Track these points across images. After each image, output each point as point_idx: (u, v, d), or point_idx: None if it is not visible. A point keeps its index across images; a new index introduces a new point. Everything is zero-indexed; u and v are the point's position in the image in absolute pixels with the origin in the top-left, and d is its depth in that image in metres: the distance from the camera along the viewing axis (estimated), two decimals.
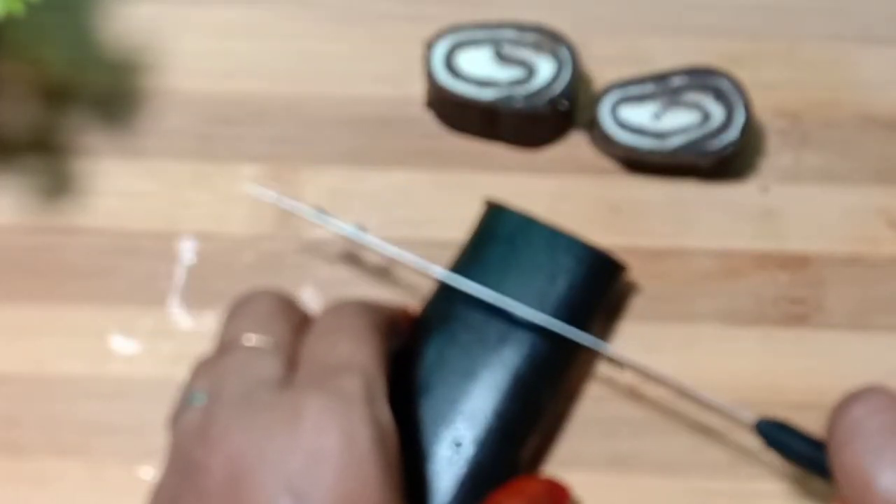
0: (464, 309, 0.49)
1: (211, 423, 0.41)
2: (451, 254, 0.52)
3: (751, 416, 0.46)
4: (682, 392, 0.48)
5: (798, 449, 0.45)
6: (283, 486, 0.39)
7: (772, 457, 0.50)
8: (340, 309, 0.45)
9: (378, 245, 0.49)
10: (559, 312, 0.48)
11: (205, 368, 0.44)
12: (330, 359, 0.43)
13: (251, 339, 0.44)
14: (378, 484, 0.40)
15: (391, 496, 0.40)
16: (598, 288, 0.49)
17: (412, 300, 0.50)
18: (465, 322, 0.48)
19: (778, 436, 0.46)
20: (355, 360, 0.43)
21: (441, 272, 0.49)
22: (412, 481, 0.47)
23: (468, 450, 0.47)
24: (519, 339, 0.48)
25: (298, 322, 0.45)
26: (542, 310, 0.48)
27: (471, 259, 0.49)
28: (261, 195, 0.51)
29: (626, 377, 0.50)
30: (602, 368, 0.51)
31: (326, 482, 0.40)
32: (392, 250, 0.49)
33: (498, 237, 0.49)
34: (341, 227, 0.49)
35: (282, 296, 0.46)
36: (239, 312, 0.45)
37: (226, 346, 0.44)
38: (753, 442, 0.50)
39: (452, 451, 0.47)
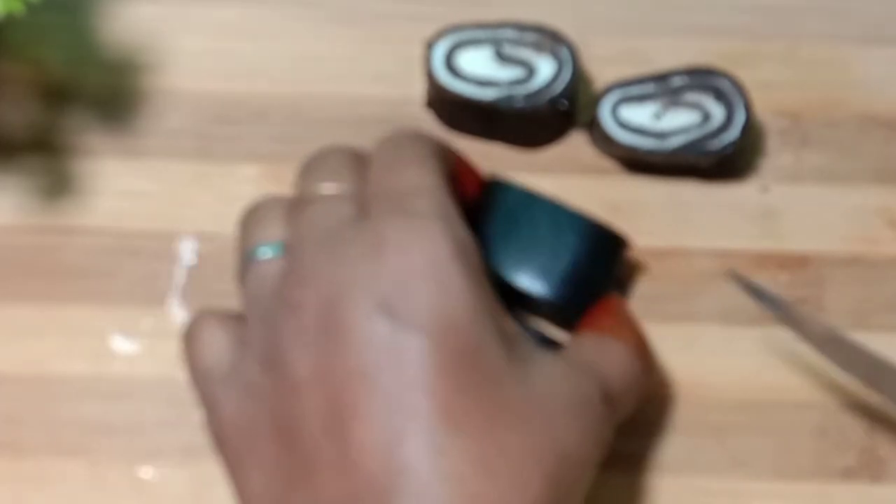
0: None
1: (297, 265, 0.43)
2: None
3: None
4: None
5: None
6: (376, 306, 0.40)
7: (770, 458, 0.50)
8: (397, 140, 0.46)
9: None
10: (564, 287, 0.48)
11: (271, 221, 0.45)
12: (400, 185, 0.44)
13: (326, 189, 0.45)
14: (465, 293, 0.41)
15: (479, 305, 0.41)
16: (602, 261, 0.49)
17: None
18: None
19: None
20: (424, 182, 0.44)
21: None
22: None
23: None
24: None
25: (362, 163, 0.46)
26: (547, 285, 0.48)
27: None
28: None
29: None
30: None
31: (416, 297, 0.41)
32: None
33: (500, 212, 0.49)
34: None
35: (350, 148, 0.47)
36: (311, 167, 0.47)
37: (302, 198, 0.45)
38: (753, 442, 0.50)
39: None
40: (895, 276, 0.52)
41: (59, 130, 0.54)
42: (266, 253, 0.45)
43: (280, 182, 0.53)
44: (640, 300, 0.52)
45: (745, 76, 0.52)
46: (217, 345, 0.45)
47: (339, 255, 0.42)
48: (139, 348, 0.51)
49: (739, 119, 0.51)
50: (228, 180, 0.53)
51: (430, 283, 0.41)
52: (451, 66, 0.52)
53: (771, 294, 0.48)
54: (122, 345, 0.51)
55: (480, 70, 0.52)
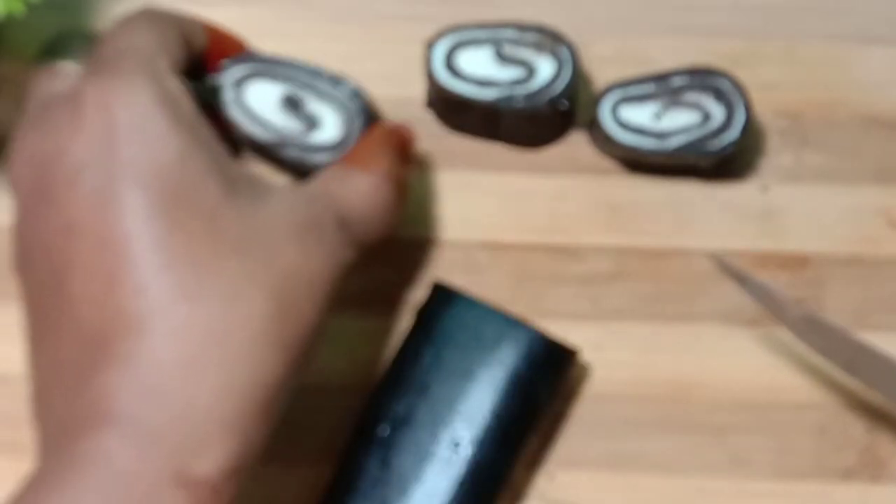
0: (460, 309, 0.48)
1: (17, 143, 0.45)
2: (450, 254, 0.52)
3: None
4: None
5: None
6: (81, 165, 0.42)
7: (770, 458, 0.50)
8: (127, 17, 0.47)
9: None
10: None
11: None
12: (108, 51, 0.45)
13: (52, 66, 0.47)
14: (170, 138, 0.42)
15: (189, 148, 0.42)
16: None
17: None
18: (461, 322, 0.48)
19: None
20: (131, 43, 0.45)
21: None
22: (410, 482, 0.47)
23: (466, 450, 0.47)
24: (516, 338, 0.48)
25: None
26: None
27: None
28: None
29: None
30: (597, 375, 0.51)
31: (120, 149, 0.42)
32: None
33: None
34: None
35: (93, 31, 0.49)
36: (52, 45, 0.48)
37: (41, 77, 0.47)
38: (753, 442, 0.50)
39: (451, 451, 0.47)
40: (895, 276, 0.52)
41: None
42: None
43: (280, 181, 0.53)
44: (641, 300, 0.52)
45: (745, 76, 0.52)
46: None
47: (45, 124, 0.43)
48: None
49: (739, 119, 0.51)
50: None
51: (132, 134, 0.42)
52: (451, 66, 0.52)
53: (754, 280, 0.48)
54: None
55: (480, 70, 0.52)
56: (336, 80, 0.50)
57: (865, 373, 0.47)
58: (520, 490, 0.49)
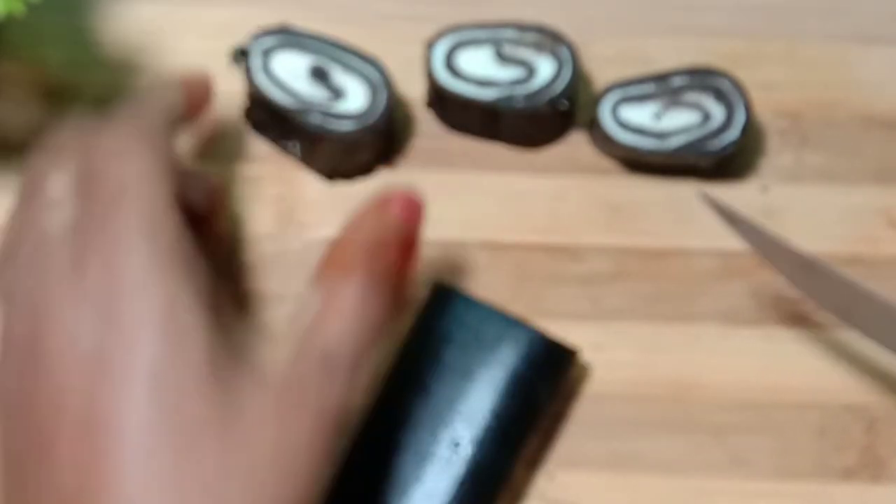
0: (460, 309, 0.48)
1: (6, 282, 0.43)
2: (450, 254, 0.52)
3: None
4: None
5: None
6: (78, 333, 0.40)
7: (770, 458, 0.50)
8: (110, 128, 0.45)
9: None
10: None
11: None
12: (100, 191, 0.42)
13: (48, 187, 0.44)
14: (173, 306, 0.40)
15: (194, 315, 0.40)
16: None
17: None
18: (461, 321, 0.48)
19: None
20: (130, 181, 0.42)
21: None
22: (410, 482, 0.47)
23: (466, 450, 0.47)
24: (516, 338, 0.48)
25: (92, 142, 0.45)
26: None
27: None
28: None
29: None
30: (594, 381, 0.51)
31: (120, 319, 0.40)
32: None
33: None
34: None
35: (80, 126, 0.46)
36: (41, 152, 0.46)
37: (23, 195, 0.45)
38: (753, 442, 0.50)
39: (451, 451, 0.47)
40: (895, 276, 0.52)
41: None
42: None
43: (280, 182, 0.53)
44: (641, 300, 0.52)
45: (745, 76, 0.52)
46: None
47: (42, 274, 0.41)
48: None
49: (739, 119, 0.51)
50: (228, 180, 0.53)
51: (132, 301, 0.40)
52: (451, 66, 0.52)
53: (744, 218, 0.48)
54: None
55: (480, 70, 0.52)
56: (363, 56, 0.51)
57: (862, 320, 0.46)
58: (520, 490, 0.49)
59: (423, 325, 0.49)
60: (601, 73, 0.54)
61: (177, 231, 0.42)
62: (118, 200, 0.42)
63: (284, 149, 0.53)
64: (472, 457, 0.47)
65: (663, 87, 0.52)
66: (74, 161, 0.44)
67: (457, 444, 0.47)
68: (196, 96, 0.49)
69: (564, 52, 0.52)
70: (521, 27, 0.52)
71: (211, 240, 0.47)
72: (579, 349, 0.49)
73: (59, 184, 0.43)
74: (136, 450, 0.39)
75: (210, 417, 0.40)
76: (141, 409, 0.39)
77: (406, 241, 0.45)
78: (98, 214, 0.42)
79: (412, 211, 0.45)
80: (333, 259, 0.43)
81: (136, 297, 0.40)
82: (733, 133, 0.51)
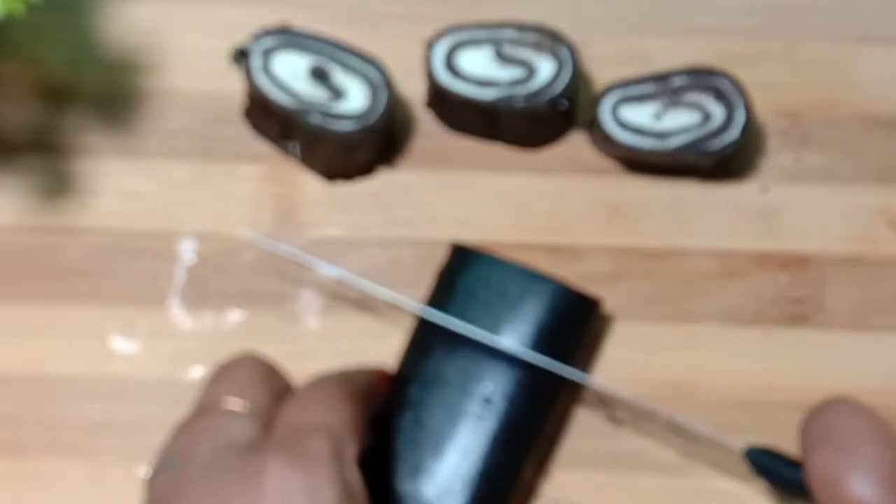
0: (482, 268, 0.49)
1: (178, 487, 0.41)
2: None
3: (740, 443, 0.46)
4: (672, 422, 0.48)
5: (786, 475, 0.45)
6: None
7: None
8: (319, 379, 0.45)
9: (359, 284, 0.50)
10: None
11: (182, 431, 0.44)
12: (300, 422, 0.42)
13: (228, 403, 0.43)
14: None
15: None
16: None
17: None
18: (483, 280, 0.49)
19: (767, 463, 0.46)
20: (325, 421, 0.42)
21: (416, 306, 0.49)
22: (444, 440, 0.47)
23: (499, 405, 0.47)
24: (539, 291, 0.48)
25: (279, 389, 0.45)
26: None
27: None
28: (253, 240, 0.51)
29: (612, 411, 0.50)
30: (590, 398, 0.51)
31: None
32: (374, 288, 0.49)
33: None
34: (325, 269, 0.50)
35: (265, 362, 0.45)
36: (220, 376, 0.45)
37: (203, 409, 0.44)
38: (753, 441, 0.50)
39: (482, 407, 0.47)
40: (895, 276, 0.52)
41: (59, 130, 0.54)
42: (164, 467, 0.43)
43: (280, 182, 0.53)
44: (641, 300, 0.52)
45: (745, 76, 0.52)
46: None
47: (218, 485, 0.41)
48: (139, 348, 0.51)
49: (739, 119, 0.51)
50: (228, 180, 0.53)
51: None
52: (451, 66, 0.52)
53: None
54: (121, 345, 0.51)
55: (480, 70, 0.52)
56: (364, 56, 0.51)
57: None
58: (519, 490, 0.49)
59: (446, 287, 0.49)
60: (601, 73, 0.54)
61: (358, 485, 0.42)
62: (313, 433, 0.42)
63: (284, 148, 0.53)
64: (504, 412, 0.47)
65: (663, 87, 0.52)
66: (261, 394, 0.44)
67: (488, 401, 0.47)
68: (378, 390, 0.48)
69: (564, 52, 0.52)
70: (521, 27, 0.52)
71: None
72: (602, 298, 0.49)
73: (240, 406, 0.43)
74: None
75: None
76: None
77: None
78: (283, 453, 0.41)
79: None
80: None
81: None
82: (733, 133, 0.51)
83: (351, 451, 0.42)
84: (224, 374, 0.45)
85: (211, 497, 0.40)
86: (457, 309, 0.48)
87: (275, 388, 0.44)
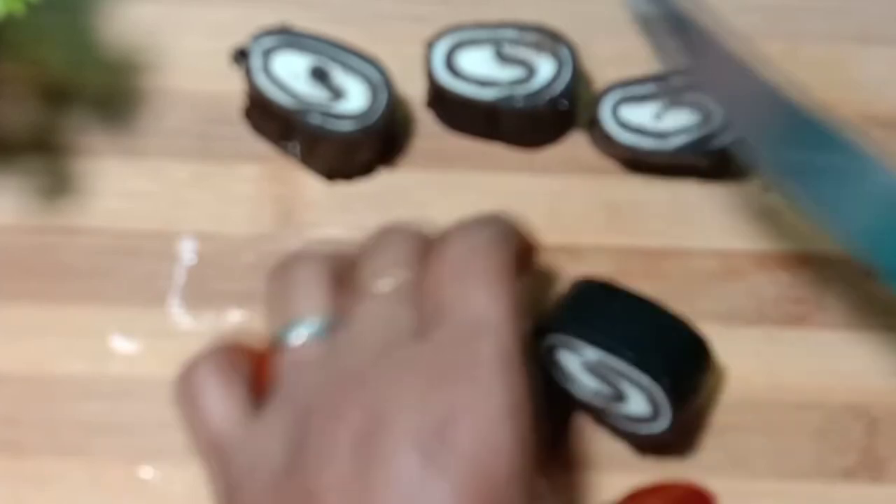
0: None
1: (345, 370, 0.42)
2: None
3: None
4: None
5: None
6: (415, 443, 0.39)
7: (770, 458, 0.50)
8: (472, 243, 0.44)
9: None
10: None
11: (310, 293, 0.44)
12: (465, 313, 0.42)
13: (385, 285, 0.43)
14: (509, 453, 0.40)
15: (518, 466, 0.40)
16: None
17: None
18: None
19: None
20: (492, 317, 0.42)
21: None
22: None
23: None
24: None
25: (426, 250, 0.44)
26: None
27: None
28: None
29: None
30: None
31: (457, 446, 0.39)
32: None
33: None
34: None
35: (417, 232, 0.45)
36: (374, 251, 0.45)
37: (358, 287, 0.44)
38: (753, 442, 0.50)
39: None
40: None
41: (59, 130, 0.54)
42: (301, 335, 0.43)
43: (280, 182, 0.53)
44: None
45: None
46: (227, 409, 0.43)
47: (392, 377, 0.41)
48: (139, 348, 0.51)
49: None
50: (228, 180, 0.53)
51: (474, 435, 0.40)
52: (451, 66, 0.52)
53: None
54: (121, 345, 0.51)
55: (480, 70, 0.52)
56: (363, 56, 0.51)
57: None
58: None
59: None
60: (601, 73, 0.54)
61: (525, 384, 0.41)
62: (478, 336, 0.41)
63: (284, 149, 0.53)
64: None
65: (663, 87, 0.52)
66: (414, 268, 0.44)
67: None
68: (528, 252, 0.47)
69: (564, 52, 0.52)
70: (521, 27, 0.52)
71: None
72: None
73: (393, 287, 0.43)
74: None
75: None
76: None
77: None
78: (449, 343, 0.41)
79: None
80: None
81: (486, 451, 0.40)
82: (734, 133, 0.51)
83: (517, 348, 0.42)
84: (375, 250, 0.45)
85: (384, 387, 0.41)
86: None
87: (425, 256, 0.44)
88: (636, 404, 0.46)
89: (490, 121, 0.53)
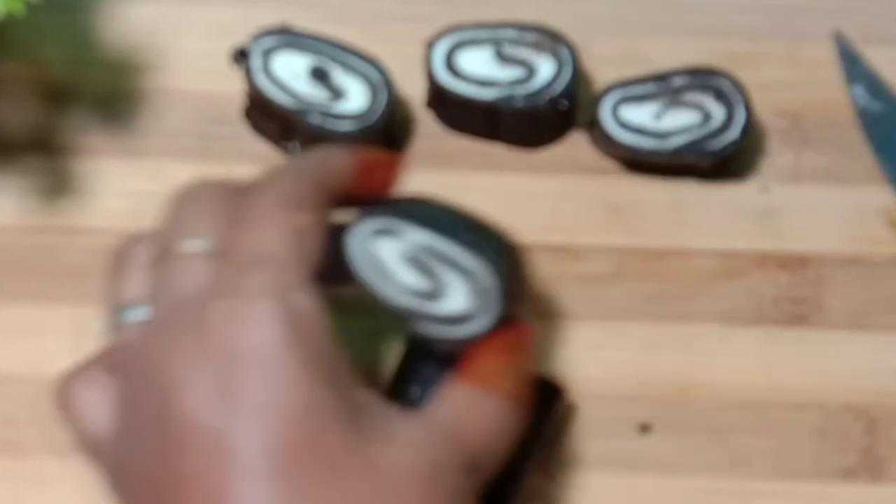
0: None
1: (142, 345, 0.41)
2: None
3: None
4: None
5: None
6: (203, 400, 0.39)
7: (770, 458, 0.50)
8: (270, 186, 0.43)
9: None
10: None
11: (133, 277, 0.43)
12: (244, 252, 0.41)
13: (188, 246, 0.42)
14: (297, 384, 0.39)
15: (315, 391, 0.39)
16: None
17: None
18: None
19: None
20: (268, 248, 0.41)
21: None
22: None
23: None
24: None
25: (235, 203, 0.43)
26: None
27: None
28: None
29: None
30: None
31: (243, 391, 0.38)
32: None
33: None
34: None
35: (224, 186, 0.43)
36: (179, 210, 0.43)
37: (163, 253, 0.42)
38: (753, 442, 0.50)
39: None
40: (895, 276, 0.52)
41: (59, 130, 0.54)
42: (129, 317, 0.42)
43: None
44: (641, 300, 0.52)
45: (745, 76, 0.52)
46: (98, 409, 0.42)
47: (172, 340, 0.40)
48: None
49: (739, 119, 0.51)
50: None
51: (257, 379, 0.39)
52: (451, 66, 0.52)
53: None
54: None
55: (480, 70, 0.52)
56: (363, 56, 0.51)
57: None
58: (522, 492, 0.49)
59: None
60: (601, 73, 0.54)
61: (313, 311, 0.40)
62: (249, 272, 0.40)
63: (284, 149, 0.53)
64: None
65: (663, 87, 0.52)
66: (216, 223, 0.42)
67: None
68: (377, 175, 0.46)
69: (564, 52, 0.52)
70: (521, 27, 0.52)
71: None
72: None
73: (197, 247, 0.42)
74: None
75: (348, 484, 0.38)
76: (265, 486, 0.38)
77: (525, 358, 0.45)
78: (227, 291, 0.40)
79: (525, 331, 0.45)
80: (479, 371, 0.43)
81: (269, 377, 0.39)
82: (733, 133, 0.51)
83: (301, 274, 0.40)
84: (180, 209, 0.43)
85: (167, 352, 0.40)
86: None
87: (234, 209, 0.42)
88: (456, 300, 0.44)
89: (490, 121, 0.53)
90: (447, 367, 0.46)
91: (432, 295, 0.44)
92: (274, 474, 0.38)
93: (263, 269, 0.40)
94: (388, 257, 0.44)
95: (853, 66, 0.45)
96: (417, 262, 0.44)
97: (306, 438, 0.38)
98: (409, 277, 0.44)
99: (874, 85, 0.44)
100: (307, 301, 0.40)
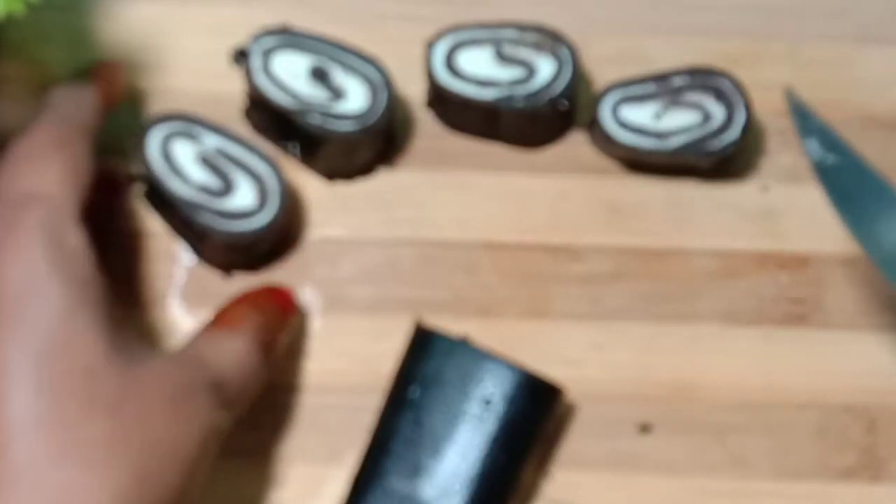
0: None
1: None
2: (451, 254, 0.52)
3: None
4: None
5: None
6: None
7: (770, 458, 0.50)
8: (30, 132, 0.46)
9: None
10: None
11: None
12: (11, 193, 0.44)
13: None
14: (62, 297, 0.42)
15: (84, 312, 0.42)
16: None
17: None
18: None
19: None
20: (36, 188, 0.44)
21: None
22: (443, 441, 0.47)
23: (498, 406, 0.47)
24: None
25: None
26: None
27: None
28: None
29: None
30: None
31: (6, 311, 0.42)
32: None
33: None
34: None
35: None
36: None
37: None
38: (753, 442, 0.50)
39: (482, 408, 0.47)
40: None
41: None
42: None
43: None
44: (641, 300, 0.52)
45: (745, 76, 0.52)
46: None
47: None
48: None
49: (739, 119, 0.51)
50: None
51: (17, 292, 0.42)
52: (451, 66, 0.52)
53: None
54: None
55: (480, 70, 0.52)
56: (363, 56, 0.51)
57: None
58: (520, 490, 0.49)
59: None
60: (601, 73, 0.54)
61: (77, 239, 0.44)
62: (25, 205, 0.44)
63: (284, 149, 0.53)
64: (503, 413, 0.47)
65: (663, 87, 0.52)
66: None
67: (488, 402, 0.47)
68: (110, 85, 0.50)
69: (564, 52, 0.52)
70: (521, 27, 0.52)
71: (112, 235, 0.50)
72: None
73: None
74: (18, 427, 0.40)
75: (102, 390, 0.42)
76: (23, 385, 0.41)
77: (279, 317, 0.49)
78: (4, 216, 0.43)
79: (288, 297, 0.50)
80: (223, 317, 0.48)
81: (33, 295, 0.42)
82: (733, 133, 0.51)
83: (69, 209, 0.44)
84: None
85: None
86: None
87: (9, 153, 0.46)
88: (242, 196, 0.49)
89: (490, 121, 0.53)
90: (447, 369, 0.47)
91: (221, 192, 0.49)
92: (30, 375, 0.41)
93: (36, 207, 0.44)
94: (183, 157, 0.49)
95: (805, 121, 0.46)
96: (210, 162, 0.49)
97: (63, 345, 0.42)
98: (201, 175, 0.49)
99: (827, 138, 0.46)
100: (77, 237, 0.44)
